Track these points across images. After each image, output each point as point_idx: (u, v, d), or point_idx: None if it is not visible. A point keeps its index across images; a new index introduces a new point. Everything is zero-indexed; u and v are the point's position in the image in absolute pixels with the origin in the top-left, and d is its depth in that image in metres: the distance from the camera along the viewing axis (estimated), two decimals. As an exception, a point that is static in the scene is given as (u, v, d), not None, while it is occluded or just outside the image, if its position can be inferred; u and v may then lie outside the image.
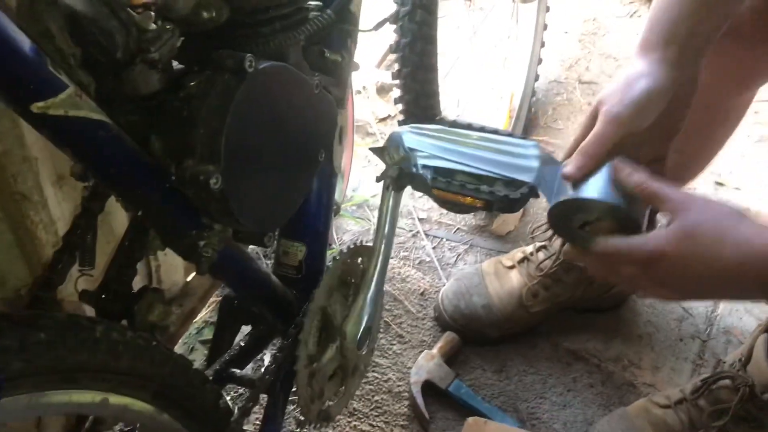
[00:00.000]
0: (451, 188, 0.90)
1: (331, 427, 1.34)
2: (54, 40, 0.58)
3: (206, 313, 1.51)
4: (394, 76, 1.32)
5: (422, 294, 1.60)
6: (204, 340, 1.47)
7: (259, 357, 1.38)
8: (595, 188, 0.81)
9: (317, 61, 0.88)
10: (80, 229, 0.74)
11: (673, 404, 1.30)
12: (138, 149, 0.67)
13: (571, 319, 1.55)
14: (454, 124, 0.99)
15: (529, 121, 2.04)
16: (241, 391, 1.37)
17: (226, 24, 0.72)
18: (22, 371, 0.58)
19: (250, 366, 1.33)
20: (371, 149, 0.96)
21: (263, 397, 0.98)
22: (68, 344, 0.62)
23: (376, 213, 0.99)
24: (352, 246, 0.97)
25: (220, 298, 1.08)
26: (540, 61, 1.98)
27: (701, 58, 0.90)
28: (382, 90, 2.09)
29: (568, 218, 0.83)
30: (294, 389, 0.93)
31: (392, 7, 1.26)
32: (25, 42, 0.54)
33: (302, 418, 0.95)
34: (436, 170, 0.90)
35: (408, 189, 0.95)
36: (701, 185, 1.95)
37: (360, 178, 1.89)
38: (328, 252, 1.40)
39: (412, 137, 0.94)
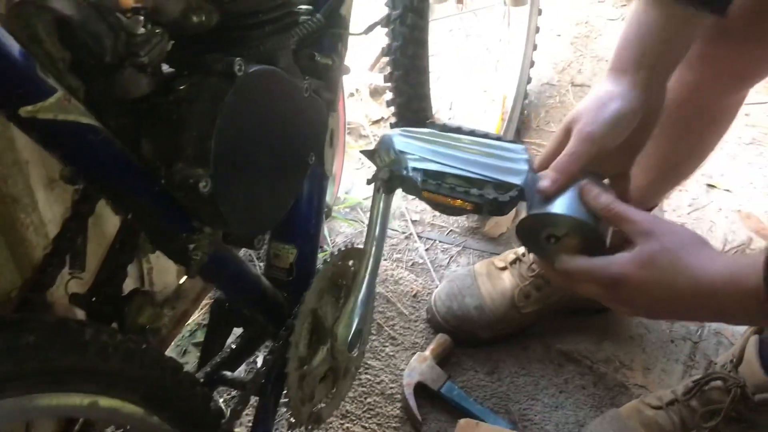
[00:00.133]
0: (441, 191, 0.91)
1: (323, 429, 1.34)
2: (43, 44, 0.58)
3: (199, 316, 1.51)
4: (386, 79, 1.32)
5: (415, 296, 1.61)
6: (197, 343, 1.47)
7: (251, 360, 1.38)
8: (564, 204, 0.84)
9: (308, 65, 0.88)
10: (70, 232, 0.74)
11: (665, 405, 1.30)
12: (128, 152, 0.67)
13: (563, 321, 1.55)
14: (444, 127, 0.99)
15: (522, 123, 2.04)
16: (233, 393, 1.37)
17: (216, 28, 0.73)
18: (11, 374, 0.59)
19: (242, 368, 1.33)
20: (362, 152, 0.96)
21: (255, 400, 0.99)
22: (57, 347, 0.62)
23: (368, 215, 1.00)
24: (343, 248, 0.97)
25: (212, 301, 1.08)
26: (532, 63, 1.98)
27: (668, 80, 0.94)
28: (376, 92, 2.10)
29: (537, 231, 0.86)
30: (285, 391, 0.93)
31: (383, 11, 1.26)
32: (13, 46, 0.54)
33: (293, 420, 0.95)
34: (426, 173, 0.91)
35: (401, 191, 0.95)
36: (693, 187, 1.96)
37: (353, 180, 1.90)
38: (320, 255, 1.40)
39: (402, 140, 0.94)
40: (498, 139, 0.99)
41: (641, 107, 0.90)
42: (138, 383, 0.73)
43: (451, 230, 1.78)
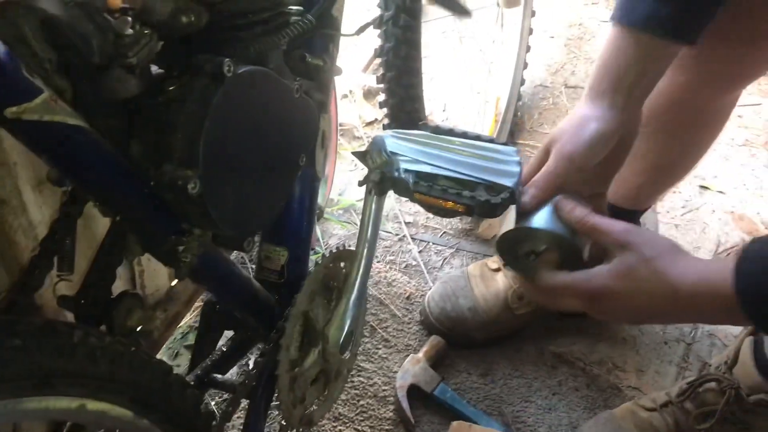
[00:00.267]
0: (432, 192, 0.90)
1: (315, 432, 1.34)
2: (29, 44, 0.58)
3: (191, 318, 1.51)
4: (379, 81, 1.32)
5: (408, 298, 1.60)
6: (189, 345, 1.47)
7: (243, 362, 1.37)
8: (542, 219, 0.86)
9: (299, 66, 0.88)
10: (58, 234, 0.74)
11: (659, 407, 1.30)
12: (116, 154, 0.67)
13: (557, 323, 1.55)
14: (437, 129, 0.98)
15: (515, 125, 2.04)
16: (224, 396, 1.37)
17: (205, 29, 0.72)
18: (-3, 377, 0.58)
19: (234, 371, 1.33)
20: (354, 153, 0.96)
21: (246, 403, 0.98)
22: (45, 350, 0.62)
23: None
24: (334, 250, 0.97)
25: (203, 303, 1.07)
26: (526, 65, 1.98)
27: (643, 103, 0.97)
28: (369, 94, 2.10)
29: (516, 247, 0.88)
30: (276, 394, 0.93)
31: (376, 12, 1.26)
32: (-2, 46, 0.54)
33: (284, 423, 0.95)
34: (418, 174, 0.90)
35: (393, 193, 0.95)
36: (686, 188, 1.97)
37: (346, 182, 1.89)
38: (312, 257, 1.40)
39: (394, 142, 0.94)
40: (490, 141, 0.99)
41: (618, 129, 0.93)
42: (127, 386, 0.72)
43: (444, 232, 1.78)
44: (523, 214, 0.87)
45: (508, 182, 0.89)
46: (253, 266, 1.52)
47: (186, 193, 0.67)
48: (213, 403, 1.36)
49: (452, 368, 1.47)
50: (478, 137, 1.00)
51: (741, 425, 1.25)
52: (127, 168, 0.68)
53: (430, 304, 1.52)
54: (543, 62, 2.33)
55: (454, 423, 1.28)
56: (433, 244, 1.75)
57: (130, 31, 0.64)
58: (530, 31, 1.94)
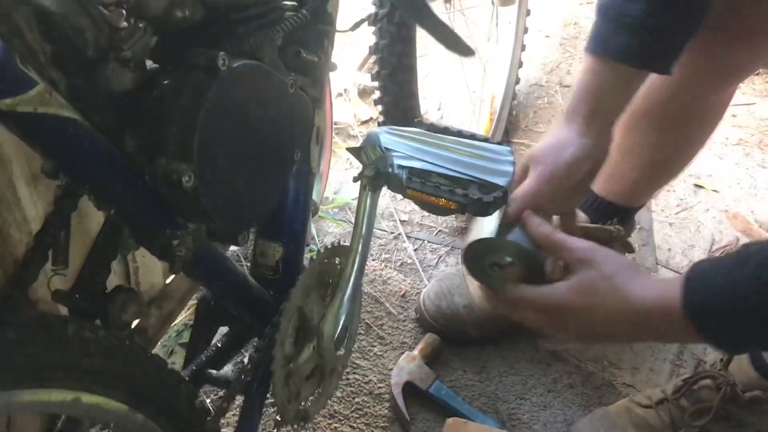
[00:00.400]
0: (425, 189, 0.90)
1: (311, 429, 1.34)
2: (23, 36, 0.58)
3: (186, 316, 1.50)
4: (373, 78, 1.32)
5: (403, 296, 1.61)
6: (183, 343, 1.47)
7: (239, 360, 1.37)
8: (510, 233, 0.90)
9: (293, 61, 0.88)
10: (53, 228, 0.73)
11: (655, 404, 1.31)
12: (110, 147, 0.67)
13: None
14: (432, 127, 0.99)
15: (510, 124, 2.05)
16: (220, 394, 1.37)
17: (200, 23, 0.72)
18: (-9, 369, 0.58)
19: (229, 367, 1.32)
20: (348, 149, 0.96)
21: (241, 400, 0.98)
22: (39, 342, 0.62)
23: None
24: (329, 246, 0.97)
25: (198, 299, 1.07)
26: (521, 64, 1.99)
27: (614, 125, 1.04)
28: (364, 93, 2.10)
29: (481, 257, 0.90)
30: (271, 390, 0.93)
31: (370, 8, 1.26)
32: (-7, 38, 0.54)
33: (279, 418, 0.95)
34: (412, 171, 0.91)
35: (391, 192, 0.96)
36: (680, 187, 1.97)
37: (341, 180, 1.90)
38: (308, 254, 1.40)
39: (388, 138, 0.94)
40: (485, 140, 0.99)
41: (594, 152, 0.99)
42: (121, 380, 0.72)
43: (439, 230, 1.78)
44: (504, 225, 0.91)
45: (501, 181, 0.90)
46: (248, 264, 1.53)
47: (180, 187, 0.67)
48: (208, 401, 1.36)
49: (447, 366, 1.48)
50: (472, 136, 1.00)
51: (735, 422, 1.26)
52: (122, 161, 0.68)
53: (425, 301, 1.52)
54: (538, 61, 2.33)
55: (450, 420, 1.28)
56: (429, 242, 1.75)
57: (124, 24, 0.64)
58: (525, 30, 1.94)
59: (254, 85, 0.76)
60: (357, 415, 1.37)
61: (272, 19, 0.80)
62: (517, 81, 2.00)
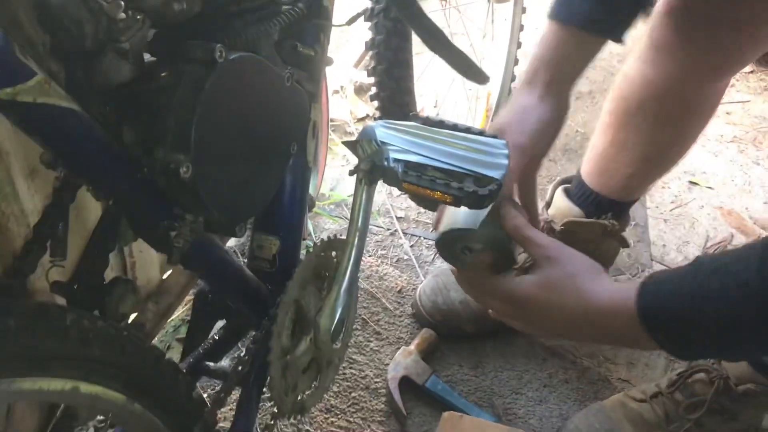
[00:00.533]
0: (421, 183, 0.91)
1: (308, 424, 1.34)
2: (23, 27, 0.58)
3: (183, 311, 1.51)
4: (370, 73, 1.33)
5: (399, 291, 1.61)
6: (180, 338, 1.47)
7: (236, 355, 1.38)
8: (485, 220, 0.91)
9: (290, 55, 0.89)
10: (51, 219, 0.74)
11: (649, 398, 1.32)
12: (109, 138, 0.67)
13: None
14: (427, 120, 0.99)
15: (506, 121, 2.05)
16: (218, 388, 1.37)
17: (197, 16, 0.73)
18: (-9, 357, 0.59)
19: (227, 361, 1.33)
20: (344, 143, 0.97)
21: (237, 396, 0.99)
22: (38, 331, 0.62)
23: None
24: (325, 239, 0.98)
25: (195, 293, 1.08)
26: (517, 61, 1.99)
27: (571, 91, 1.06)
28: (360, 90, 2.10)
29: (455, 243, 0.92)
30: (268, 381, 0.93)
31: (367, 3, 1.26)
32: (-8, 28, 0.54)
33: (276, 410, 0.95)
34: (407, 164, 0.91)
35: (387, 189, 0.96)
36: (675, 184, 1.98)
37: (338, 177, 1.90)
38: (303, 251, 1.40)
39: (384, 131, 0.94)
40: (480, 133, 0.99)
41: (555, 118, 1.01)
42: (120, 370, 0.73)
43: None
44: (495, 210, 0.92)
45: (496, 174, 0.90)
46: (245, 260, 1.53)
47: (178, 177, 0.68)
48: (205, 395, 1.36)
49: (444, 361, 1.48)
50: (467, 129, 1.01)
51: (729, 415, 1.27)
52: (120, 152, 0.69)
53: (421, 297, 1.53)
54: (534, 59, 2.33)
55: (446, 414, 1.29)
56: (425, 238, 1.76)
57: (122, 16, 0.65)
58: (521, 27, 1.95)
59: (251, 77, 0.77)
60: (354, 410, 1.38)
61: (269, 12, 0.80)
62: (513, 78, 2.00)
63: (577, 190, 1.45)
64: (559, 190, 1.49)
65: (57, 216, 0.75)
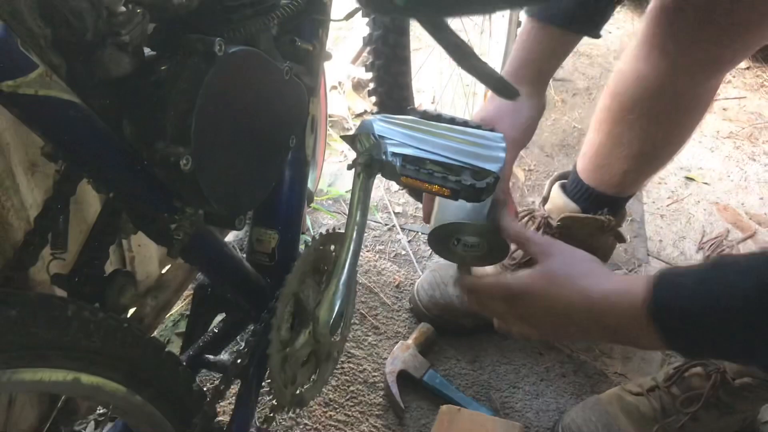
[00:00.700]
0: (419, 176, 0.91)
1: (307, 417, 1.35)
2: (24, 20, 0.59)
3: (181, 306, 1.51)
4: (367, 69, 1.33)
5: (397, 286, 1.62)
6: (180, 333, 1.48)
7: (235, 350, 1.38)
8: (474, 211, 0.94)
9: (288, 50, 0.89)
10: (52, 212, 0.74)
11: (646, 392, 1.32)
12: (109, 131, 0.68)
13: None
14: (425, 114, 1.00)
15: (503, 117, 2.05)
16: (218, 382, 1.38)
17: (197, 10, 0.73)
18: (-7, 347, 0.59)
19: (227, 355, 1.34)
20: (342, 137, 0.97)
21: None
22: (39, 322, 0.63)
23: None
24: (323, 233, 0.98)
25: (195, 286, 1.08)
26: (514, 57, 2.00)
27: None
28: (359, 86, 2.11)
29: (449, 236, 0.95)
30: (267, 373, 0.94)
31: None
32: (-6, 21, 0.55)
33: (276, 402, 0.96)
34: (405, 158, 0.92)
35: (385, 185, 0.97)
36: (672, 180, 1.99)
37: (336, 173, 1.91)
38: (302, 246, 1.41)
39: (382, 125, 0.95)
40: (477, 127, 1.00)
41: (539, 113, 1.08)
42: (120, 361, 0.73)
43: (433, 222, 1.79)
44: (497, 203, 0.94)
45: (494, 167, 0.91)
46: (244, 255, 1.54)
47: (178, 170, 0.68)
48: (205, 389, 1.37)
49: (441, 355, 1.49)
50: (465, 123, 1.01)
51: (725, 408, 1.28)
52: (120, 145, 0.69)
53: (419, 291, 1.53)
54: (531, 55, 2.34)
55: (443, 407, 1.30)
56: (422, 234, 1.76)
57: (123, 9, 0.65)
58: (518, 24, 1.95)
59: (250, 71, 0.77)
60: (352, 403, 1.39)
61: (268, 6, 0.81)
62: (510, 74, 2.01)
63: (573, 186, 1.46)
64: (556, 186, 1.49)
65: (58, 208, 0.75)
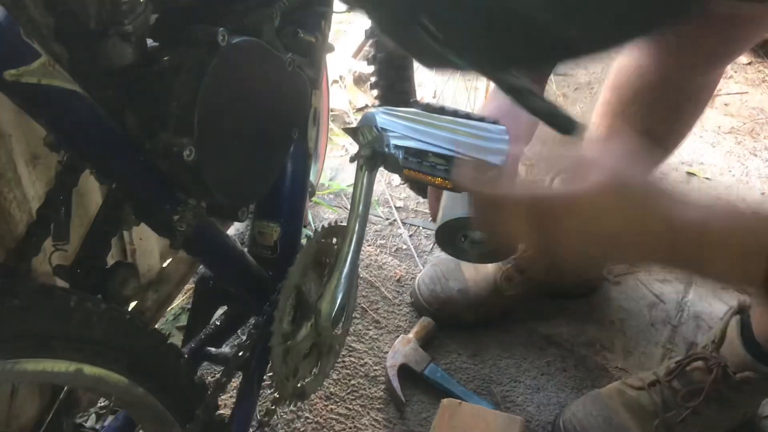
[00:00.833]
0: (422, 169, 0.91)
1: (308, 411, 1.35)
2: (27, 9, 0.59)
3: (182, 300, 1.51)
4: (369, 62, 1.33)
5: (398, 281, 1.62)
6: (180, 327, 1.47)
7: (236, 343, 1.38)
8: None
9: (291, 41, 0.89)
10: (54, 203, 0.74)
11: (647, 386, 1.32)
12: (112, 121, 0.68)
13: (545, 305, 1.57)
14: (427, 107, 1.00)
15: (505, 111, 2.05)
16: (220, 371, 1.38)
17: (199, 1, 0.73)
18: (-4, 336, 0.59)
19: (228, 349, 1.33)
20: (344, 129, 0.97)
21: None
22: (42, 311, 0.63)
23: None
24: (326, 225, 0.98)
25: (196, 279, 1.08)
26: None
27: None
28: (360, 80, 2.10)
29: (454, 234, 0.93)
30: (269, 366, 0.94)
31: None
32: (-2, 10, 0.54)
33: (277, 395, 0.96)
34: (408, 151, 0.91)
35: (386, 179, 0.97)
36: (673, 175, 1.99)
37: (337, 167, 1.90)
38: (303, 240, 1.41)
39: (384, 118, 0.95)
40: (480, 119, 1.00)
41: None
42: (122, 353, 0.73)
43: (434, 217, 1.79)
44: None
45: (497, 160, 0.91)
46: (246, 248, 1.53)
47: (182, 160, 0.68)
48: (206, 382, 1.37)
49: (442, 349, 1.49)
50: (467, 115, 1.01)
51: (727, 403, 1.28)
52: (123, 135, 0.69)
53: (420, 286, 1.53)
54: (532, 50, 2.33)
55: (444, 400, 1.29)
56: (423, 228, 1.76)
57: (125, -1, 0.65)
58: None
59: (253, 61, 0.77)
60: (353, 397, 1.39)
61: (270, -3, 0.81)
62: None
63: (574, 179, 1.46)
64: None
65: (60, 199, 0.75)
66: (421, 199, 1.80)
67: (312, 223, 1.72)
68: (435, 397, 1.38)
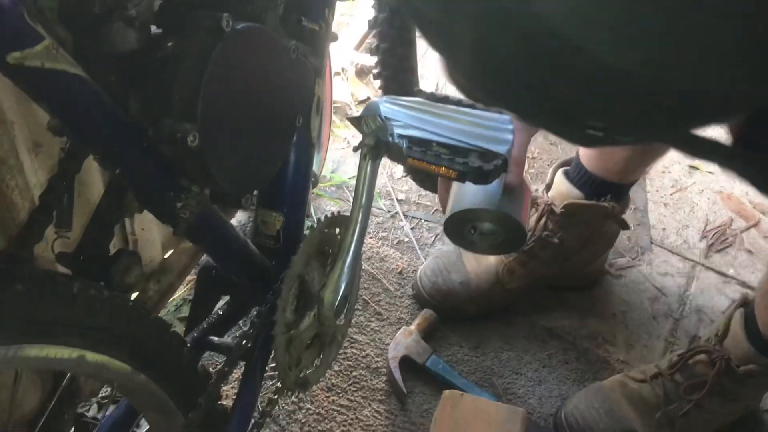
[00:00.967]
0: (426, 158, 0.91)
1: (309, 402, 1.35)
2: (30, -9, 0.58)
3: (184, 291, 1.51)
4: (372, 53, 1.32)
5: (400, 273, 1.62)
6: (182, 317, 1.47)
7: (238, 334, 1.38)
8: (487, 198, 0.93)
9: (295, 29, 0.88)
10: (57, 190, 0.74)
11: (649, 378, 1.32)
12: (116, 107, 0.67)
13: (547, 298, 1.57)
14: (432, 96, 0.99)
15: (507, 104, 2.04)
16: (223, 361, 1.38)
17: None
18: (-1, 321, 0.59)
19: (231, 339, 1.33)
20: (348, 119, 0.96)
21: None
22: (45, 297, 0.63)
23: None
24: (329, 215, 0.98)
25: (199, 268, 1.08)
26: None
27: None
28: (362, 72, 2.10)
29: (463, 226, 0.95)
30: (272, 356, 0.94)
31: (370, -16, 1.26)
32: (1, -8, 0.54)
33: (280, 384, 0.96)
34: (412, 140, 0.91)
35: (388, 171, 0.96)
36: (675, 169, 1.98)
37: (339, 159, 1.90)
38: (305, 231, 1.40)
39: (388, 107, 0.94)
40: (484, 109, 0.99)
41: None
42: (125, 340, 0.73)
43: (436, 209, 1.78)
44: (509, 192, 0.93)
45: (501, 149, 0.90)
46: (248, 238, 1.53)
47: (185, 146, 0.68)
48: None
49: (444, 341, 1.49)
50: (472, 105, 1.01)
51: (730, 396, 1.27)
52: (127, 121, 0.69)
53: (422, 278, 1.53)
54: (534, 43, 2.33)
55: (446, 392, 1.29)
56: (425, 221, 1.76)
57: (130, -17, 0.65)
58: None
59: (257, 48, 0.77)
60: (354, 388, 1.39)
61: (274, -16, 0.80)
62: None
63: (575, 173, 1.45)
64: (559, 173, 1.49)
65: (62, 186, 0.75)
66: (423, 192, 1.80)
67: (314, 214, 1.72)
68: (436, 388, 1.38)
